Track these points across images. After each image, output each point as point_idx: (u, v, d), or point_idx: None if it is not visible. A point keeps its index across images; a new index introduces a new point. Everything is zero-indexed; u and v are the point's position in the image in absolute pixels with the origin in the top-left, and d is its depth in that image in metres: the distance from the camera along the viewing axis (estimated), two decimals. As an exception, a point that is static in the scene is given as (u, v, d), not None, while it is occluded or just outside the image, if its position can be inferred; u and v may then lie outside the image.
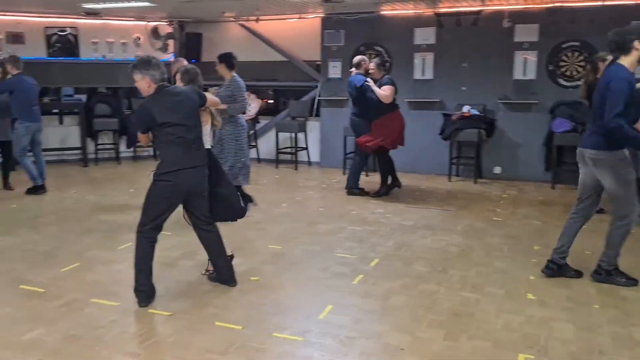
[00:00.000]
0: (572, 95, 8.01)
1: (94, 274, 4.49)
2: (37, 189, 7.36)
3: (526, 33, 8.22)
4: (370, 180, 8.14)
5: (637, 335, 3.44)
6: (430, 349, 3.25)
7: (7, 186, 7.58)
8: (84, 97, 10.44)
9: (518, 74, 8.36)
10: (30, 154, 7.52)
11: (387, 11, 8.90)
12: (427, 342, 3.33)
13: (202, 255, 4.85)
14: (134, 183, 8.24)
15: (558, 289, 4.16)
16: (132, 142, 10.18)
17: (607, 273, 4.28)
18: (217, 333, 3.46)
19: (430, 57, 8.81)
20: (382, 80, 7.15)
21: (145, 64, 3.82)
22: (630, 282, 4.22)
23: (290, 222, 6.12)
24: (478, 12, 8.26)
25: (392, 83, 7.09)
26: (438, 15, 8.54)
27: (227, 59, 6.08)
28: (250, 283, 4.30)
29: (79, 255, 4.91)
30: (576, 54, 8.06)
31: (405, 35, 8.89)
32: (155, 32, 10.07)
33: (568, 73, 8.13)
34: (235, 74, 6.07)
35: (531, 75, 8.29)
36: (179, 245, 5.21)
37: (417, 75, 8.93)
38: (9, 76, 7.27)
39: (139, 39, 10.35)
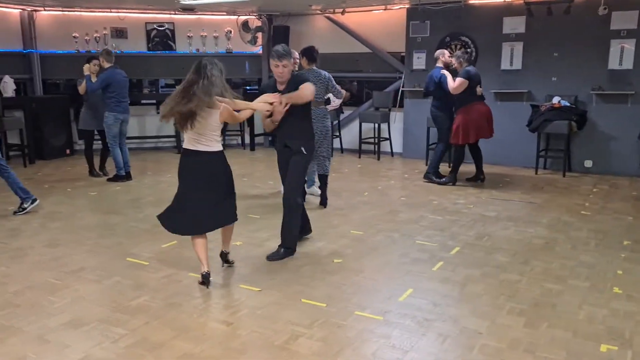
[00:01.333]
0: (673, 85, 7.59)
1: (189, 251, 4.84)
2: (118, 178, 7.81)
3: (624, 20, 7.84)
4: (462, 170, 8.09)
5: None
6: (509, 335, 3.30)
7: (103, 170, 8.23)
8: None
9: (613, 64, 7.99)
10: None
11: (474, 0, 8.78)
12: (506, 328, 3.38)
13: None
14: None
15: (647, 285, 4.05)
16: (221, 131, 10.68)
17: None
18: (303, 309, 3.68)
19: (519, 46, 8.60)
20: (460, 72, 7.15)
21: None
22: None
23: (371, 209, 6.27)
24: (570, 0, 7.96)
25: (467, 76, 7.06)
26: (527, 4, 8.30)
27: (308, 53, 6.38)
28: (334, 265, 4.50)
29: (176, 234, 5.30)
30: (679, 41, 7.60)
31: (493, 24, 8.74)
32: (245, 25, 10.49)
33: (670, 62, 7.69)
34: (314, 67, 6.32)
35: (628, 65, 7.90)
36: (266, 228, 5.51)
37: (505, 65, 8.75)
38: (104, 68, 7.80)
39: (230, 32, 10.82)
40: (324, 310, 3.66)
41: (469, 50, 8.82)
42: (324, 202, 6.40)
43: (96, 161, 8.23)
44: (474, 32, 8.96)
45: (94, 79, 7.62)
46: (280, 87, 4.52)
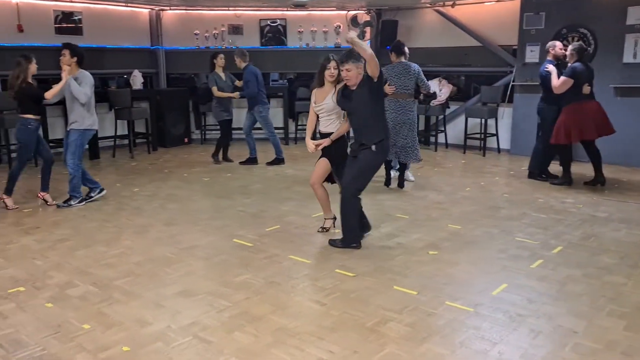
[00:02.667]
0: None
1: (291, 235, 5.14)
2: (252, 161, 8.57)
3: None
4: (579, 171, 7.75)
5: None
6: (607, 337, 3.19)
7: (226, 159, 8.81)
8: (286, 82, 11.57)
9: None
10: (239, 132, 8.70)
11: (595, -10, 8.30)
12: (604, 330, 3.27)
13: (386, 228, 5.26)
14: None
15: None
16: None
17: None
18: (394, 295, 3.79)
19: (644, 38, 8.02)
20: (567, 69, 6.78)
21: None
22: None
23: (471, 204, 6.20)
24: None
25: (571, 73, 6.67)
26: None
27: (395, 47, 6.88)
28: (428, 256, 4.55)
29: (280, 219, 5.62)
30: None
31: (616, 15, 8.21)
32: (354, 20, 10.60)
33: None
34: (402, 60, 6.73)
35: None
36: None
37: (628, 58, 8.19)
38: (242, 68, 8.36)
39: (339, 27, 11.05)
40: (415, 298, 3.74)
41: (585, 45, 8.32)
42: (401, 184, 6.94)
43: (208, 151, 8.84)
44: (594, 24, 8.46)
45: (222, 75, 8.30)
46: (352, 87, 4.54)
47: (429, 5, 10.30)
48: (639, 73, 8.12)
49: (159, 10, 10.84)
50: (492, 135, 9.57)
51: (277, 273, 4.21)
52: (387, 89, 6.37)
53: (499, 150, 9.65)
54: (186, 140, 10.78)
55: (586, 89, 6.78)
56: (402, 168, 7.03)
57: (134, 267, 4.34)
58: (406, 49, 6.92)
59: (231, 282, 4.03)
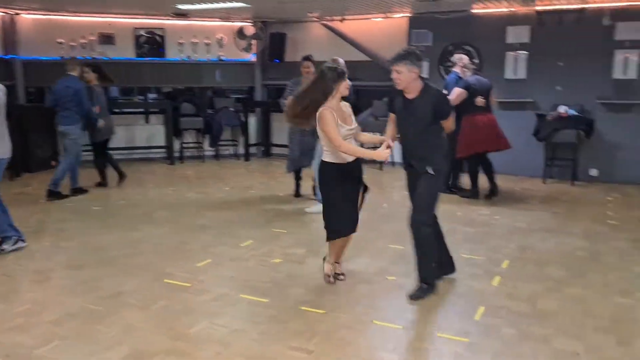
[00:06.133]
0: (677, 95, 7.73)
1: (229, 269, 4.56)
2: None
3: (629, 31, 7.94)
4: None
5: None
6: (607, 355, 3.15)
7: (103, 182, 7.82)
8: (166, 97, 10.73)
9: (618, 74, 8.08)
10: None
11: (478, 9, 8.76)
12: (600, 349, 3.23)
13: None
14: (225, 181, 8.38)
15: None
16: (215, 141, 10.36)
17: None
18: (379, 332, 3.45)
19: (523, 56, 8.62)
20: (460, 82, 7.08)
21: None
22: None
23: (398, 221, 6.02)
24: (581, 10, 8.02)
25: (464, 86, 6.97)
26: (539, 13, 8.32)
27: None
28: (388, 282, 4.29)
29: (207, 251, 4.99)
30: (683, 52, 7.75)
31: (497, 33, 8.74)
32: (240, 32, 10.19)
33: (674, 73, 7.83)
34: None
35: (632, 75, 8.01)
36: (298, 243, 5.25)
37: (509, 75, 8.76)
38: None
39: (223, 39, 10.49)
40: (402, 332, 3.44)
41: (475, 60, 8.76)
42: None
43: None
44: (478, 42, 8.93)
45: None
46: (409, 96, 3.93)
47: (316, 19, 10.17)
48: (520, 88, 8.71)
49: (14, 14, 9.41)
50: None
51: (236, 317, 3.65)
52: None
53: (393, 163, 9.76)
54: (54, 163, 9.41)
55: (480, 101, 7.06)
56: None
57: (53, 327, 3.48)
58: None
59: (187, 334, 3.39)
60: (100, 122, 7.37)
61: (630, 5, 7.85)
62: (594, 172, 8.39)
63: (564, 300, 3.93)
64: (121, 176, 7.87)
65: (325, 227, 4.07)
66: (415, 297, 3.91)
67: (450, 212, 6.48)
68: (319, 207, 6.50)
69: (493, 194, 7.30)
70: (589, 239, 5.41)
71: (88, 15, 9.77)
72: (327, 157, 4.01)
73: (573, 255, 4.95)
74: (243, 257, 4.86)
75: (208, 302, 3.89)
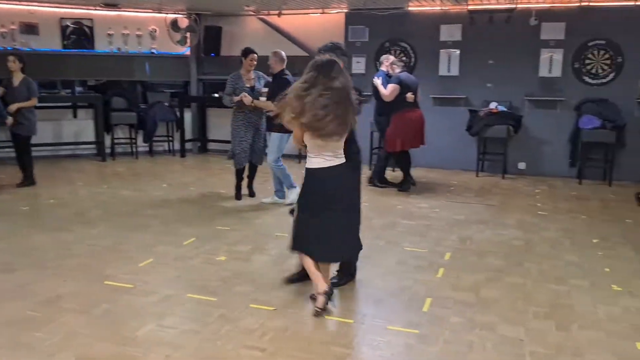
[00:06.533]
0: (597, 92, 8.24)
1: (173, 269, 4.43)
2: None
3: (552, 31, 8.37)
4: (398, 175, 8.17)
5: None
6: (549, 340, 3.30)
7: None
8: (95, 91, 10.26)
9: (544, 72, 8.50)
10: None
11: (413, 7, 8.95)
12: (542, 333, 3.39)
13: (274, 250, 4.87)
14: (162, 178, 8.14)
15: (638, 280, 4.27)
16: (149, 136, 10.04)
17: None
18: (332, 327, 3.46)
19: (456, 53, 8.89)
20: (392, 78, 7.25)
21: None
22: None
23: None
24: (511, 10, 8.35)
25: (397, 81, 7.15)
26: (471, 12, 8.59)
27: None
28: (335, 277, 4.29)
29: (149, 251, 4.82)
30: (602, 52, 8.24)
31: (431, 31, 8.97)
32: (174, 24, 9.90)
33: (594, 71, 8.31)
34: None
35: (557, 72, 8.45)
36: (243, 240, 5.18)
37: (443, 71, 9.01)
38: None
39: (155, 31, 10.16)
40: (354, 326, 3.47)
41: (404, 58, 8.97)
42: (252, 192, 6.88)
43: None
44: (413, 39, 9.13)
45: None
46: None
47: (252, 13, 10.05)
48: (453, 85, 8.98)
49: None
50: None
51: (186, 318, 3.55)
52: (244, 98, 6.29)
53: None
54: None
55: (410, 97, 7.24)
56: (253, 173, 6.86)
57: (-14, 336, 3.26)
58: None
59: (134, 338, 3.26)
60: (9, 120, 6.98)
61: (553, 6, 8.26)
62: (522, 165, 8.80)
63: (504, 289, 4.09)
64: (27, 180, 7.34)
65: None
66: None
67: (390, 206, 6.63)
68: (275, 197, 6.52)
69: (409, 186, 7.48)
70: (523, 230, 5.67)
71: (7, 2, 9.18)
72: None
73: (509, 245, 5.17)
74: (187, 256, 4.74)
75: (154, 303, 3.76)
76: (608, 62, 8.20)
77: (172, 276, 4.27)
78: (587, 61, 8.34)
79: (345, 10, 9.40)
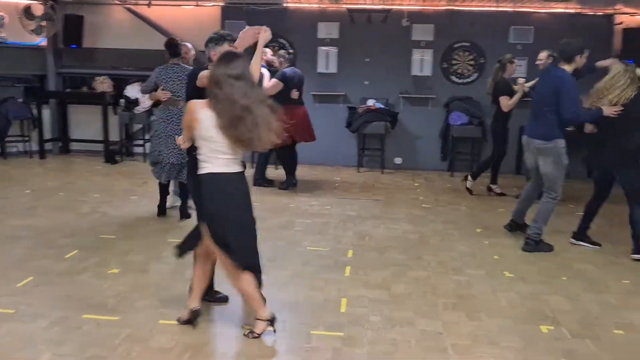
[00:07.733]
0: (463, 91, 8.85)
1: (59, 287, 3.93)
2: None
3: (423, 32, 8.82)
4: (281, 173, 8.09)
5: (612, 299, 3.99)
6: (464, 331, 3.44)
7: None
8: None
9: (416, 71, 8.93)
10: None
11: (291, 4, 8.91)
12: (456, 325, 3.52)
13: (171, 257, 4.54)
14: (22, 183, 7.28)
15: (525, 266, 4.63)
16: (1, 136, 8.93)
17: (536, 243, 4.97)
18: (248, 340, 3.28)
19: (334, 51, 9.01)
20: (277, 73, 7.21)
21: None
22: (550, 247, 5.00)
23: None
24: (388, 10, 8.63)
25: (281, 78, 7.14)
26: (350, 10, 8.74)
27: (169, 46, 5.97)
28: (245, 283, 4.11)
29: (24, 267, 4.24)
30: (466, 53, 8.86)
31: (309, 28, 9.00)
32: (27, 11, 8.87)
33: (459, 71, 8.91)
34: (177, 61, 5.90)
35: (427, 72, 8.92)
36: (135, 249, 4.79)
37: (321, 69, 9.08)
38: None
39: (4, 18, 9.03)
40: (276, 335, 3.31)
41: (291, 51, 8.91)
42: (185, 213, 5.71)
43: None
44: (291, 35, 9.09)
45: None
46: None
47: (118, 3, 9.34)
48: (332, 82, 9.11)
49: None
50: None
51: (87, 343, 3.15)
52: (161, 94, 5.57)
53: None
54: None
55: (294, 94, 7.23)
56: (185, 192, 5.64)
57: None
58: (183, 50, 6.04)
59: (29, 373, 2.83)
60: None
61: (424, 8, 8.71)
62: (398, 160, 9.18)
63: (411, 283, 4.20)
64: None
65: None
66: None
67: (282, 205, 6.54)
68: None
69: (292, 185, 7.41)
70: (413, 223, 5.89)
71: None
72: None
73: (405, 239, 5.33)
74: (72, 271, 4.24)
75: (45, 329, 3.29)
76: (472, 62, 8.84)
77: (59, 295, 3.79)
78: (454, 62, 8.91)
79: (222, 4, 9.09)
